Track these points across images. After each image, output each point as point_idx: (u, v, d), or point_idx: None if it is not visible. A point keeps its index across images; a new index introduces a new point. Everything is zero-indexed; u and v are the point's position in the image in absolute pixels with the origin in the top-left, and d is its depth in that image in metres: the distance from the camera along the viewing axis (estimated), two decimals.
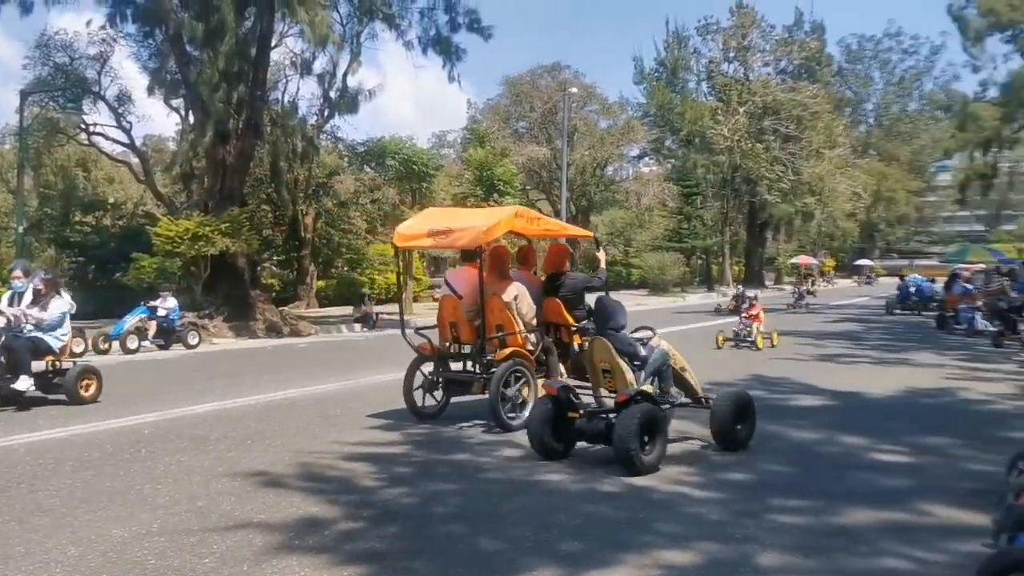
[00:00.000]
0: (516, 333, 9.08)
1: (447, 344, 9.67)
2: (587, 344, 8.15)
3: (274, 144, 29.48)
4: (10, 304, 10.75)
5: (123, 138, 33.24)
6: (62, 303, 10.95)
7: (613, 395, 7.35)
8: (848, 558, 4.84)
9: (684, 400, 8.01)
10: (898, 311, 28.95)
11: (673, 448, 7.44)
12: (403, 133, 48.21)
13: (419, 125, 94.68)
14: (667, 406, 7.62)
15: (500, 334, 9.08)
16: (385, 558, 4.90)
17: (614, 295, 9.05)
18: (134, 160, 36.17)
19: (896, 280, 33.38)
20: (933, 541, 5.12)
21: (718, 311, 28.61)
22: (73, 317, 11.37)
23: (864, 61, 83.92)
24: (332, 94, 30.26)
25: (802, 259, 50.86)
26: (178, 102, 29.01)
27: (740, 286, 31.39)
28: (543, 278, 10.00)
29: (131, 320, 18.30)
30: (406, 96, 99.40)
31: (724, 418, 7.49)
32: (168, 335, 18.79)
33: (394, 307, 30.93)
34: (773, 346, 17.30)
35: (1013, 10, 28.61)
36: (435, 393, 9.56)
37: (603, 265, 9.91)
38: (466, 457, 7.60)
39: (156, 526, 5.50)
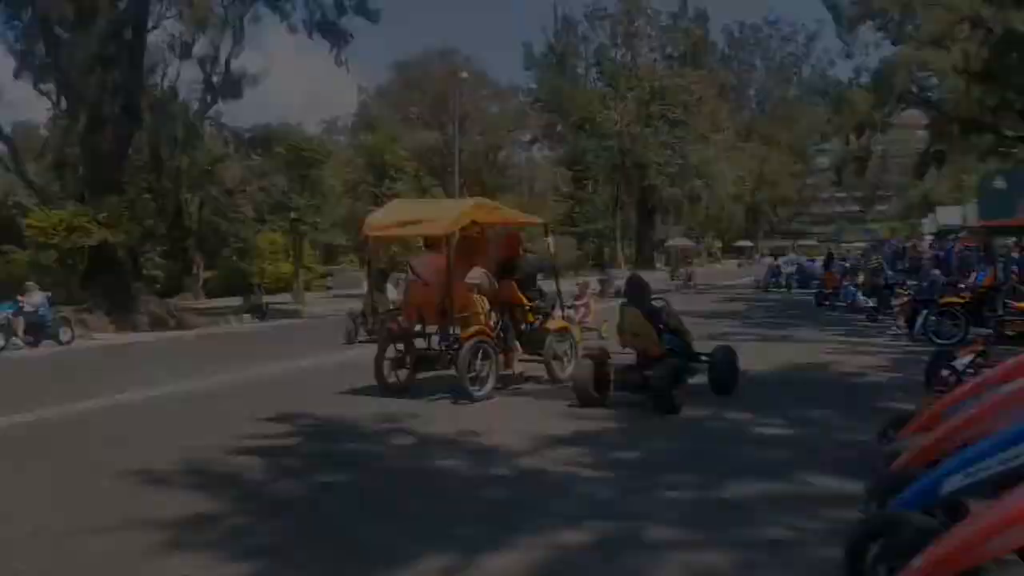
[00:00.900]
0: (480, 313, 9.83)
1: (411, 325, 10.24)
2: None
3: (154, 130, 28.39)
4: None
5: None
6: None
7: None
8: (733, 529, 4.98)
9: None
10: (772, 289, 31.35)
11: (564, 430, 7.73)
12: (292, 120, 47.26)
13: (308, 111, 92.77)
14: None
15: (465, 314, 9.71)
16: (275, 552, 4.80)
17: None
18: (1, 147, 34.17)
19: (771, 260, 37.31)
20: (812, 509, 5.32)
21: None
22: None
23: (746, 48, 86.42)
24: (214, 79, 29.35)
25: (679, 243, 52.60)
26: (49, 87, 27.54)
27: (608, 269, 32.50)
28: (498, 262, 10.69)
29: None
30: (294, 82, 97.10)
31: (723, 368, 9.19)
32: (39, 331, 17.93)
33: (284, 296, 30.42)
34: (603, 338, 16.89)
35: None
36: (399, 372, 10.14)
37: (552, 250, 11.47)
38: (357, 447, 7.51)
39: (30, 527, 5.24)
